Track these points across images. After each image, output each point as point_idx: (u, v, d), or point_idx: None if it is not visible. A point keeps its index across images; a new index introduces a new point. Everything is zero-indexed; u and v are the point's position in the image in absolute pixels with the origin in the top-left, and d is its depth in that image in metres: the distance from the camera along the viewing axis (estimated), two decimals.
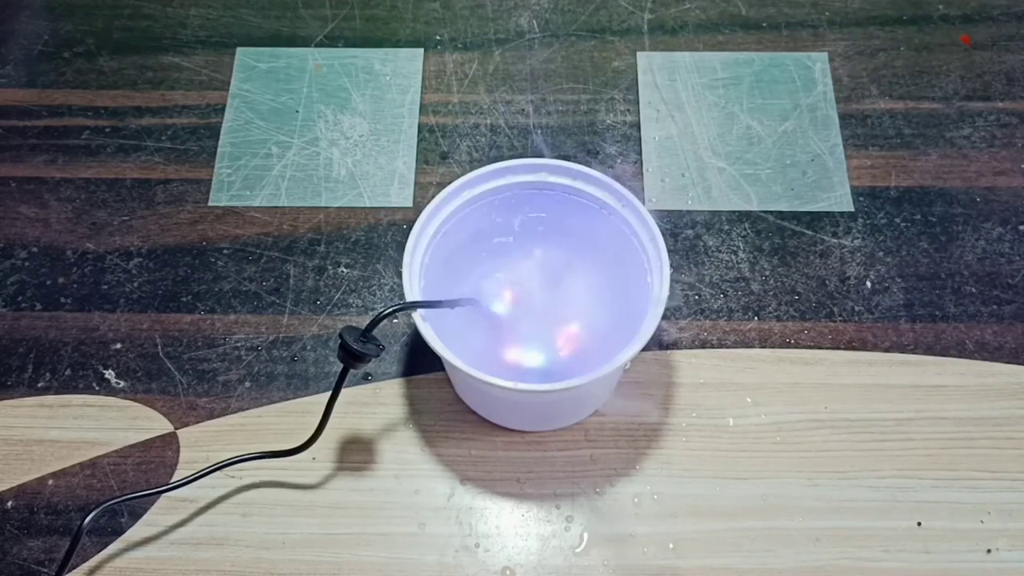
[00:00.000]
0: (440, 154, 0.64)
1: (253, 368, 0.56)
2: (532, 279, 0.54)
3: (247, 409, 0.55)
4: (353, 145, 0.65)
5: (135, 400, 0.55)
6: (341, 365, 0.48)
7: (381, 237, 0.61)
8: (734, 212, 0.62)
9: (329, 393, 0.50)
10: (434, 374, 0.56)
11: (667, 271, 0.49)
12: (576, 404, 0.53)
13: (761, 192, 0.62)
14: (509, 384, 0.45)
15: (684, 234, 0.61)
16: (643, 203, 0.53)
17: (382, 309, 0.47)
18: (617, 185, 0.52)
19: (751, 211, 0.62)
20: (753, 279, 0.59)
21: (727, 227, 0.61)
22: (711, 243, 0.60)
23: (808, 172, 0.63)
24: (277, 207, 0.62)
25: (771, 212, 0.62)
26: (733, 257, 0.60)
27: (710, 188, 0.62)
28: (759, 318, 0.58)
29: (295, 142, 0.65)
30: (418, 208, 0.60)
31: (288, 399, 0.55)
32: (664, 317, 0.48)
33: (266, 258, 0.60)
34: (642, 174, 0.63)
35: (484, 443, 0.54)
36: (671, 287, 0.50)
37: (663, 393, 0.55)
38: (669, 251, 0.50)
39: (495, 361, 0.51)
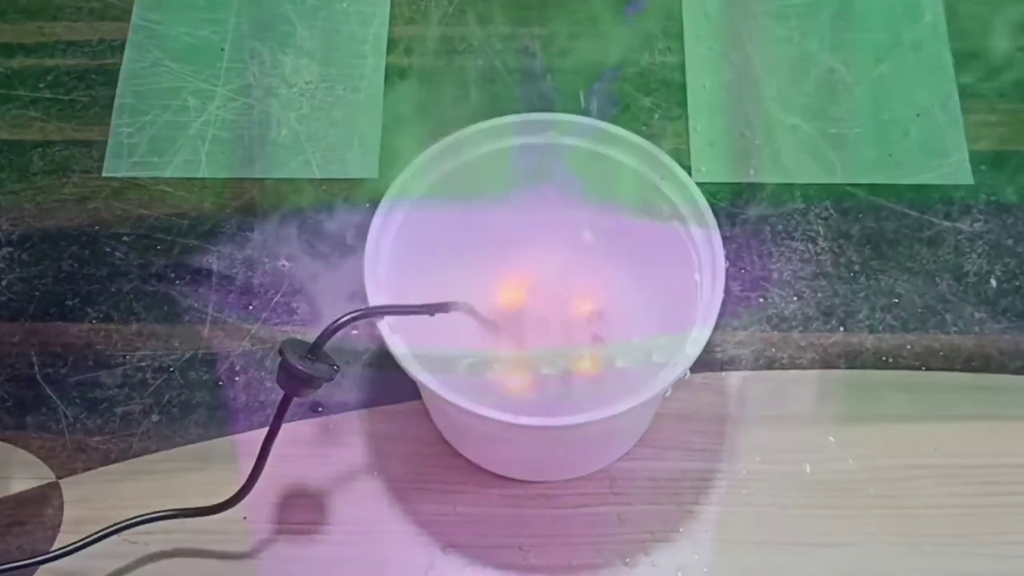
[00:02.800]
0: (415, 107, 0.64)
1: (163, 396, 0.56)
2: (539, 275, 0.54)
3: (155, 451, 0.55)
4: (298, 95, 0.65)
5: (2, 440, 0.55)
6: (282, 392, 0.48)
7: (337, 220, 0.61)
8: (811, 185, 0.62)
9: (265, 430, 0.50)
10: (407, 403, 0.56)
11: (721, 265, 0.49)
12: (599, 444, 0.53)
13: (848, 159, 0.62)
14: (508, 417, 0.45)
15: (744, 215, 0.61)
16: (689, 174, 0.53)
17: (337, 317, 0.47)
18: (654, 149, 0.52)
19: (835, 184, 0.62)
20: (837, 276, 0.59)
21: (802, 206, 0.61)
22: (780, 227, 0.61)
23: (912, 132, 0.63)
24: (195, 179, 0.62)
25: (862, 186, 0.62)
26: (811, 246, 0.60)
27: (779, 153, 0.62)
28: (845, 328, 0.58)
29: (219, 91, 0.65)
30: (386, 180, 0.60)
31: (210, 438, 0.55)
32: (717, 327, 0.48)
33: (180, 247, 0.60)
34: (687, 134, 0.63)
35: (475, 497, 0.54)
36: (726, 286, 0.50)
37: (716, 430, 0.55)
38: (724, 238, 0.50)
39: (490, 386, 0.51)
